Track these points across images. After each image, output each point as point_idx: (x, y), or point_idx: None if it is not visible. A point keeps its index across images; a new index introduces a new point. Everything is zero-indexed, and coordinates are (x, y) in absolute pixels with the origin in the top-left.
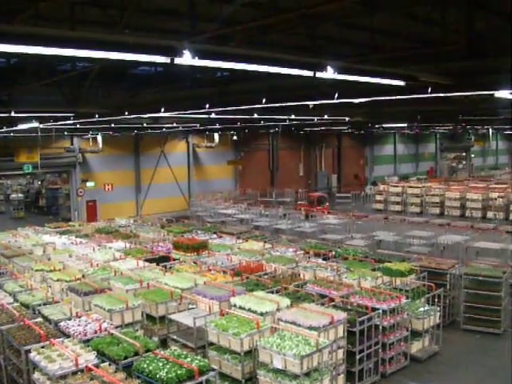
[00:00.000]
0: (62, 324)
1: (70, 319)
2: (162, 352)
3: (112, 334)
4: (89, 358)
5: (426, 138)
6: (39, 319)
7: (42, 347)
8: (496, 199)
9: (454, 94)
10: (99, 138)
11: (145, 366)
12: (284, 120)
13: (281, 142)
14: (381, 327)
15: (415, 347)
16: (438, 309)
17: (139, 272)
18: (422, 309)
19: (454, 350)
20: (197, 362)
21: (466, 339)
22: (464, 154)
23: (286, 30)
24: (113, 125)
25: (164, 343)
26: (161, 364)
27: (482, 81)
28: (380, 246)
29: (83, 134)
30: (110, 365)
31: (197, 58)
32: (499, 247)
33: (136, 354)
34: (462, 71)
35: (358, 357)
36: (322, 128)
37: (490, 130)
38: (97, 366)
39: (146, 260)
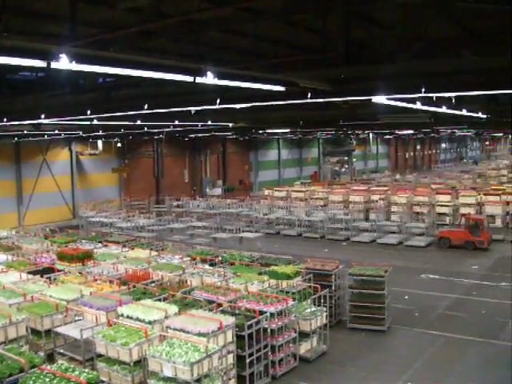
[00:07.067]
0: None
1: None
2: (49, 367)
3: None
4: None
5: (309, 143)
6: None
7: None
8: (377, 201)
9: (332, 99)
10: None
11: (31, 382)
12: (168, 126)
13: (166, 149)
14: (269, 330)
15: (304, 348)
16: (325, 309)
17: (22, 285)
18: (308, 310)
19: (341, 349)
20: (85, 375)
21: (353, 338)
22: (346, 158)
23: (169, 36)
24: None
25: (51, 358)
26: (48, 379)
27: (359, 87)
28: None
29: None
30: None
31: (74, 62)
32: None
33: (21, 370)
34: (340, 77)
35: (247, 360)
36: (207, 134)
37: (371, 134)
38: None
39: (30, 272)
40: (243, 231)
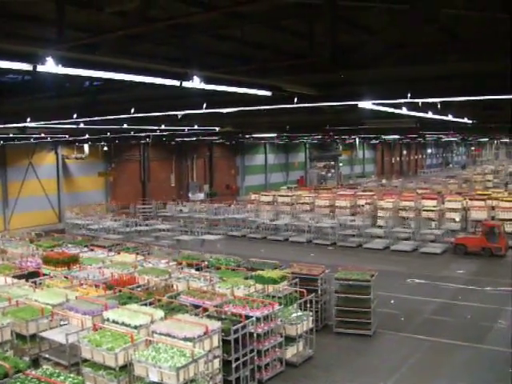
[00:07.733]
0: None
1: None
2: (34, 372)
3: None
4: None
5: (296, 148)
6: None
7: None
8: (363, 206)
9: (318, 104)
10: None
11: None
12: (154, 130)
13: (152, 153)
14: (255, 334)
15: (290, 352)
16: (311, 314)
17: (7, 289)
18: (294, 314)
19: (327, 354)
20: (70, 379)
21: (339, 342)
22: (333, 162)
23: (157, 40)
24: None
25: (36, 362)
26: None
27: (345, 92)
28: None
29: None
30: None
31: (60, 65)
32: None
33: (6, 375)
34: (326, 82)
35: (234, 365)
36: (194, 138)
37: (357, 139)
38: None
39: (15, 276)
40: (205, 233)
